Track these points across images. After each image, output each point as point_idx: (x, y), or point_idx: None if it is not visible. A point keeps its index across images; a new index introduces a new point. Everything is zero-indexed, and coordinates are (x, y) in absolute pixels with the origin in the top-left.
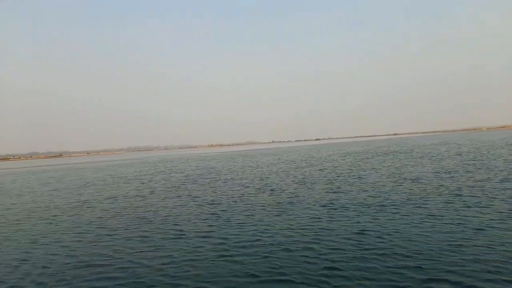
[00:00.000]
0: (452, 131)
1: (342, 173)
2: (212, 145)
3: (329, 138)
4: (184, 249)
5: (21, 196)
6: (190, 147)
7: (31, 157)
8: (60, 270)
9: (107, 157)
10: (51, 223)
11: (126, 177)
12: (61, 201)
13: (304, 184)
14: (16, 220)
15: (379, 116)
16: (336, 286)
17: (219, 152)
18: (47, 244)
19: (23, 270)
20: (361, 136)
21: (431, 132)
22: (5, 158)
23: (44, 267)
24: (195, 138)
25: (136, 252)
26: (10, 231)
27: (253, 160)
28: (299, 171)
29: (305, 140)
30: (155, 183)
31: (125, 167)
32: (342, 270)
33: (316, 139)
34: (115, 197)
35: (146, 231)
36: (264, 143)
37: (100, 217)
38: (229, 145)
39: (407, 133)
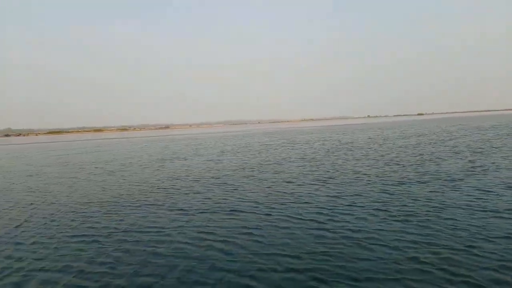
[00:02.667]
0: None
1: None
2: (304, 119)
3: (432, 113)
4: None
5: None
6: (282, 122)
7: (144, 128)
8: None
9: (215, 129)
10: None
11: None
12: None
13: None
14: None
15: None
16: None
17: (319, 126)
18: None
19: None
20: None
21: None
22: (124, 129)
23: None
24: (277, 113)
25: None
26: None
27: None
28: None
29: (404, 115)
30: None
31: (250, 137)
32: None
33: (418, 114)
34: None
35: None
36: (358, 118)
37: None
38: (319, 119)
39: None
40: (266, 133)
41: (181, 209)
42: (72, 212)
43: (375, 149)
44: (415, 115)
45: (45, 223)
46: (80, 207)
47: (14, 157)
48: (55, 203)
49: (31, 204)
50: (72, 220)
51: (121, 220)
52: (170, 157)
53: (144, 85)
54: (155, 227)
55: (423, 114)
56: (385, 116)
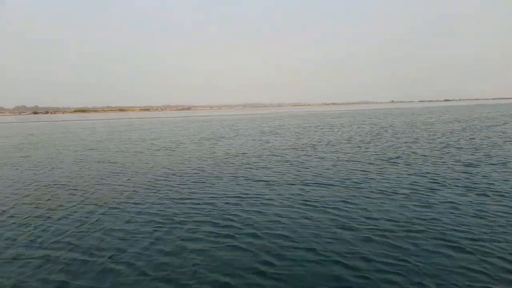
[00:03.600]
0: None
1: None
2: (325, 104)
3: (460, 100)
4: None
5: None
6: (304, 105)
7: (166, 109)
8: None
9: (238, 111)
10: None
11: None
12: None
13: None
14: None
15: None
16: None
17: (344, 110)
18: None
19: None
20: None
21: None
22: (146, 109)
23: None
24: (298, 97)
25: None
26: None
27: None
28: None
29: (429, 101)
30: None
31: (294, 118)
32: None
33: (445, 100)
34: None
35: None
36: (382, 103)
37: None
38: (342, 104)
39: None
40: (293, 116)
41: (265, 181)
42: (172, 179)
43: (420, 133)
44: (441, 101)
45: (158, 190)
46: (174, 177)
47: (66, 133)
48: (152, 173)
49: (136, 172)
50: (179, 186)
51: (218, 188)
52: (214, 136)
53: (164, 66)
54: (252, 196)
55: (450, 100)
56: (409, 101)
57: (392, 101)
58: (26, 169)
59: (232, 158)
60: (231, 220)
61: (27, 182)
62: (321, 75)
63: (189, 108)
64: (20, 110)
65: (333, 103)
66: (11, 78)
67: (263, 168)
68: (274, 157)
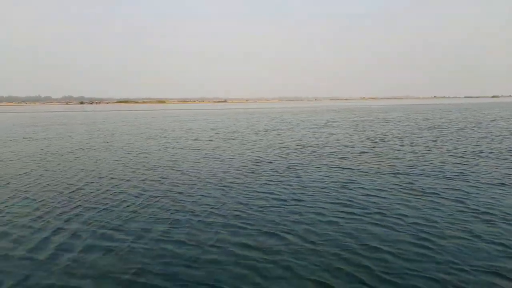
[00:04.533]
0: None
1: None
2: (364, 98)
3: (510, 96)
4: None
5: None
6: (342, 99)
7: (203, 101)
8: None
9: (275, 104)
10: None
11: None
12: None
13: None
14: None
15: None
16: None
17: (389, 105)
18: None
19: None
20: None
21: None
22: (184, 101)
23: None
24: (334, 91)
25: None
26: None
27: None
28: None
29: (476, 97)
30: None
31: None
32: None
33: (493, 96)
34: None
35: None
36: (425, 98)
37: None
38: (381, 98)
39: None
40: (337, 111)
41: (360, 170)
42: (265, 165)
43: (489, 130)
44: (489, 97)
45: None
46: (266, 164)
47: (131, 122)
48: (241, 160)
49: (231, 159)
50: (277, 165)
51: (311, 175)
52: (270, 128)
53: (199, 59)
54: (360, 183)
55: (498, 97)
56: (454, 97)
57: (435, 96)
58: (125, 153)
59: (309, 148)
60: (358, 203)
61: (134, 164)
62: (358, 69)
63: (225, 101)
64: (67, 100)
65: (372, 98)
66: (59, 70)
67: (346, 158)
68: (349, 148)
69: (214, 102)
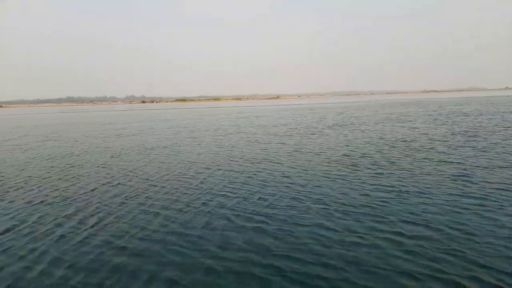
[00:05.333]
0: None
1: None
2: (425, 91)
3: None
4: None
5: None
6: (400, 93)
7: (256, 98)
8: None
9: (330, 99)
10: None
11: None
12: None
13: None
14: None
15: None
16: None
17: (456, 97)
18: None
19: None
20: None
21: None
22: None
23: None
24: (389, 84)
25: None
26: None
27: None
28: None
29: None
30: None
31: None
32: None
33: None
34: None
35: None
36: (495, 89)
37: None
38: (443, 91)
39: None
40: (401, 104)
41: (462, 164)
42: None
43: None
44: None
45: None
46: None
47: (200, 119)
48: (337, 153)
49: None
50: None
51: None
52: (342, 123)
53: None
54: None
55: None
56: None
57: (507, 87)
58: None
59: (400, 142)
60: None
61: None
62: (415, 61)
63: (277, 97)
64: (130, 99)
65: (434, 91)
66: (121, 72)
67: (447, 153)
68: (444, 142)
69: (267, 98)
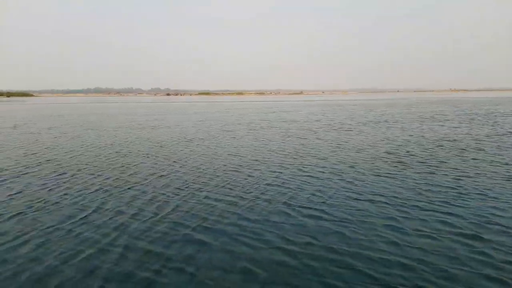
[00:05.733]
0: None
1: None
2: (454, 90)
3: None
4: None
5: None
6: (428, 91)
7: (279, 93)
8: None
9: (354, 96)
10: None
11: None
12: None
13: None
14: None
15: None
16: None
17: (490, 98)
18: None
19: None
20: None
21: None
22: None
23: None
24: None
25: None
26: None
27: None
28: None
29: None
30: None
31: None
32: None
33: None
34: None
35: None
36: None
37: None
38: (474, 90)
39: None
40: (429, 103)
41: None
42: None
43: None
44: None
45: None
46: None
47: (228, 113)
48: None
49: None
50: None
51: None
52: (375, 120)
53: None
54: None
55: None
56: None
57: None
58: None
59: (445, 142)
60: None
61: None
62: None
63: (301, 92)
64: (155, 91)
65: (463, 90)
66: (147, 64)
67: (508, 155)
68: (496, 143)
69: (290, 94)
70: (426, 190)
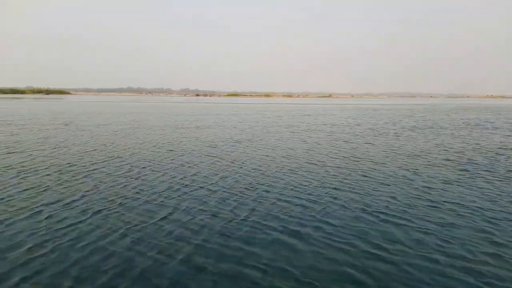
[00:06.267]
0: None
1: None
2: (491, 96)
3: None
4: None
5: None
6: (463, 97)
7: (307, 95)
8: None
9: (387, 100)
10: None
11: None
12: None
13: None
14: None
15: None
16: None
17: None
18: None
19: None
20: None
21: None
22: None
23: None
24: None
25: None
26: None
27: None
28: None
29: None
30: None
31: None
32: None
33: None
34: None
35: None
36: None
37: None
38: None
39: None
40: (469, 110)
41: None
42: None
43: None
44: None
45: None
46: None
47: (262, 115)
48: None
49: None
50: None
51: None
52: (414, 126)
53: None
54: None
55: None
56: None
57: None
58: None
59: (502, 150)
60: None
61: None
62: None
63: (329, 96)
64: (185, 92)
65: (502, 96)
66: (177, 65)
67: None
68: None
69: (319, 97)
70: (508, 202)
